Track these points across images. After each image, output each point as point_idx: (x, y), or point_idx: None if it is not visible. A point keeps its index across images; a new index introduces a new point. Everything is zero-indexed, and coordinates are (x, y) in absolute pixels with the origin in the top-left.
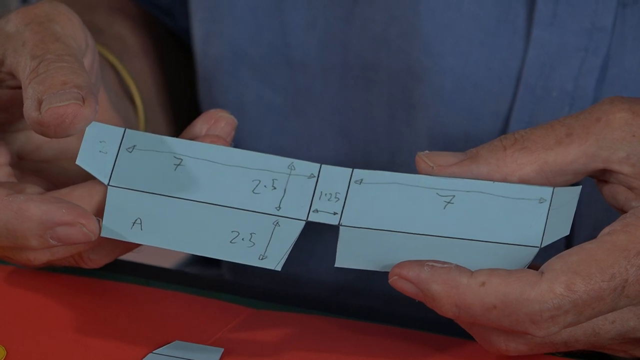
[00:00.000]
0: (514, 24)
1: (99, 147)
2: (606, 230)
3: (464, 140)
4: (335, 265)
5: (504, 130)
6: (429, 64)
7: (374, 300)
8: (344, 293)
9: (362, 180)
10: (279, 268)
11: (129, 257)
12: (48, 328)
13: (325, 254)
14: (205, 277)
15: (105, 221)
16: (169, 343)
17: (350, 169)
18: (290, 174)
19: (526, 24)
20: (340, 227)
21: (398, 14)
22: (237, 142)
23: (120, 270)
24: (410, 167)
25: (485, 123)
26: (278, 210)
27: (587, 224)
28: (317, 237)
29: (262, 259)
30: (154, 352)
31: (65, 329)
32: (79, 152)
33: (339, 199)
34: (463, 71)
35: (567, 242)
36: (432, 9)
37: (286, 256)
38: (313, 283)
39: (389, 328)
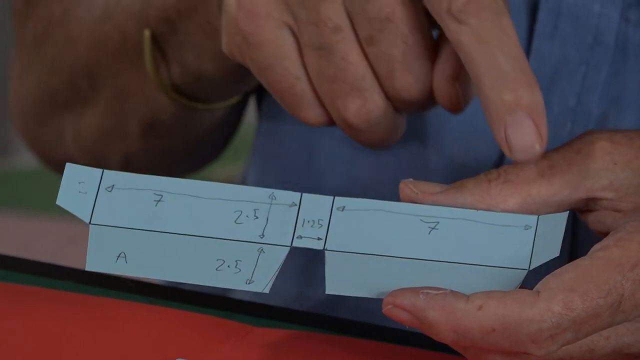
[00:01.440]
0: None
1: (78, 187)
2: (598, 246)
3: (465, 150)
4: (326, 292)
5: None
6: None
7: (378, 318)
8: (345, 310)
9: (344, 207)
10: (267, 290)
11: (129, 275)
12: (49, 346)
13: (322, 274)
14: (207, 295)
15: (89, 256)
16: None
17: (332, 197)
18: (271, 204)
19: (527, 35)
20: (326, 251)
21: None
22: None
23: (121, 288)
24: (414, 175)
25: (485, 135)
26: (262, 238)
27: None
28: (313, 252)
29: (249, 283)
30: None
31: (67, 348)
32: (59, 193)
33: (322, 225)
34: None
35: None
36: None
37: (273, 279)
38: (314, 300)
39: (392, 346)
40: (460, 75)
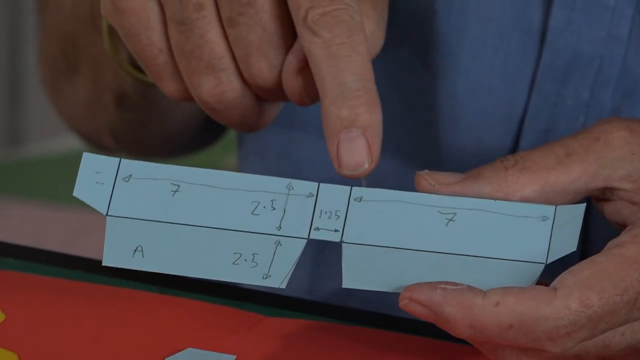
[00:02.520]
0: (528, 28)
1: (95, 178)
2: (614, 242)
3: (477, 141)
4: (343, 286)
5: (517, 137)
6: (444, 64)
7: (389, 308)
8: (357, 300)
9: (361, 198)
10: (283, 286)
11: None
12: (60, 335)
13: (337, 260)
14: (218, 284)
15: (106, 250)
16: (181, 350)
17: (349, 187)
18: (288, 194)
19: (541, 29)
20: (343, 244)
21: (418, 11)
22: None
23: (132, 278)
24: (427, 165)
25: (498, 127)
26: (279, 230)
27: (600, 237)
28: (324, 244)
29: (266, 278)
30: (166, 359)
31: (78, 337)
32: (76, 184)
33: (339, 217)
34: (477, 73)
35: (582, 256)
36: (449, 8)
37: (290, 274)
38: (326, 291)
39: (404, 336)
40: (306, 70)
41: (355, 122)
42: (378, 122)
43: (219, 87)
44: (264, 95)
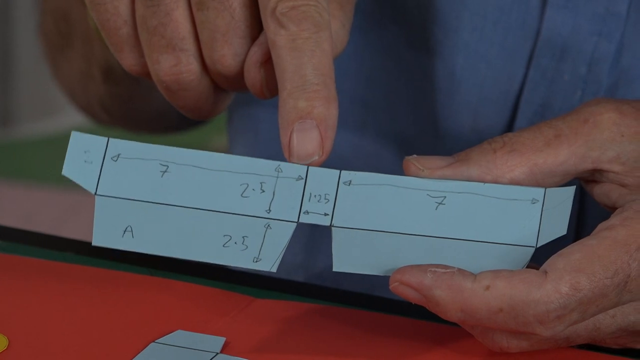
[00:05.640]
0: (528, 4)
1: (83, 157)
2: (604, 225)
3: (473, 118)
4: (334, 270)
5: (513, 112)
6: (443, 38)
7: (381, 287)
8: (350, 278)
9: (350, 181)
10: (274, 269)
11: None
12: (50, 318)
13: (328, 243)
14: (208, 266)
15: (96, 230)
16: (170, 333)
17: (338, 170)
18: (277, 177)
19: (540, 4)
20: (333, 228)
21: None
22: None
23: (122, 260)
24: (424, 140)
25: (495, 102)
26: (268, 212)
27: (594, 219)
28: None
29: (256, 261)
30: (155, 341)
31: (68, 319)
32: (65, 163)
33: (328, 200)
34: (476, 48)
35: (576, 239)
36: None
37: (281, 257)
38: (319, 267)
39: (394, 318)
40: (268, 63)
41: (311, 114)
42: (333, 117)
43: (177, 67)
44: (223, 83)
